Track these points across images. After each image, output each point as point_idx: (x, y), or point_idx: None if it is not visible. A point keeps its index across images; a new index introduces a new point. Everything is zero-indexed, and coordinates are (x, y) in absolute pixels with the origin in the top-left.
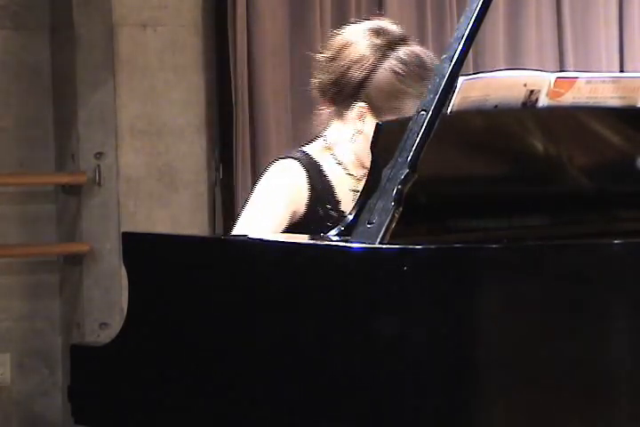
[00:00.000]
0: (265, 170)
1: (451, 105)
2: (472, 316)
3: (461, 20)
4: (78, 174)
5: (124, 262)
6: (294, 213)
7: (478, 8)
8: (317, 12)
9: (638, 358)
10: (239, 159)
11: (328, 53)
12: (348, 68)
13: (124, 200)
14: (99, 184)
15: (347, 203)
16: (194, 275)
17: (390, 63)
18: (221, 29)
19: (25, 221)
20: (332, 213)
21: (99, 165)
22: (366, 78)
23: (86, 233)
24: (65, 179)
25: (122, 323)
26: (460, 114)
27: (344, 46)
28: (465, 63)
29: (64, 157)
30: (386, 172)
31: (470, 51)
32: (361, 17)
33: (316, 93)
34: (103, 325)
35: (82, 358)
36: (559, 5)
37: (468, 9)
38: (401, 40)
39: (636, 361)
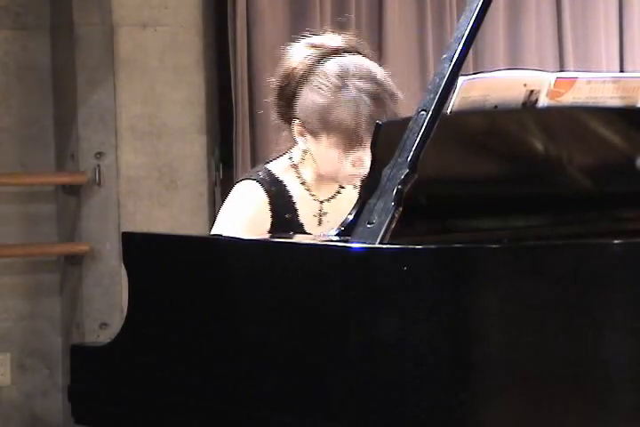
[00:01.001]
0: (229, 192)
1: (451, 105)
2: (472, 316)
3: (461, 20)
4: (78, 174)
5: (124, 262)
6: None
7: (478, 8)
8: (317, 12)
9: (637, 358)
10: (239, 159)
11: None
12: (280, 84)
13: (124, 200)
14: (99, 184)
15: (310, 227)
16: (194, 275)
17: (312, 78)
18: (221, 29)
19: (25, 221)
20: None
21: (99, 165)
22: (294, 95)
23: (86, 233)
24: (65, 179)
25: (122, 323)
26: (460, 114)
27: (282, 63)
28: (465, 63)
29: (64, 157)
30: (386, 172)
31: (470, 51)
32: (361, 17)
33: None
34: (103, 325)
35: (82, 358)
36: (559, 6)
37: (467, 9)
38: (333, 52)
39: (636, 361)
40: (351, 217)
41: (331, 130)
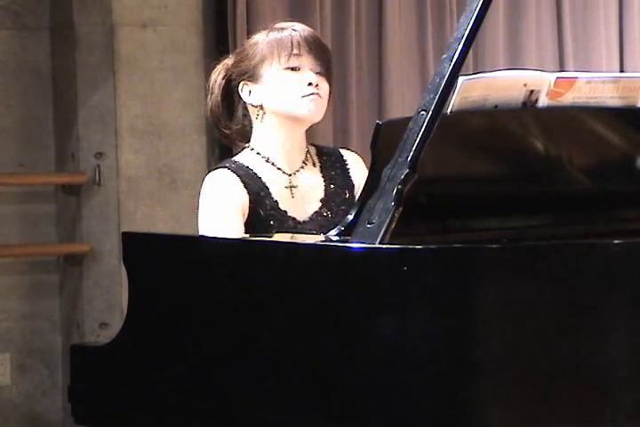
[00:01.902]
0: (201, 185)
1: (451, 105)
2: (472, 315)
3: (461, 20)
4: (78, 174)
5: (124, 262)
6: (243, 215)
7: (478, 8)
8: (317, 12)
9: (637, 358)
10: None
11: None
12: (213, 94)
13: (124, 200)
14: (99, 184)
15: (284, 201)
16: (194, 275)
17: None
18: (221, 29)
19: (25, 221)
20: (273, 212)
21: (99, 165)
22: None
23: (86, 233)
24: (65, 179)
25: (122, 323)
26: (460, 114)
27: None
28: (465, 63)
29: (64, 157)
30: (386, 172)
31: (470, 51)
32: (361, 17)
33: (218, 125)
34: (103, 325)
35: (82, 358)
36: (559, 6)
37: (467, 9)
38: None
39: (636, 361)
40: (351, 217)
41: (268, 53)
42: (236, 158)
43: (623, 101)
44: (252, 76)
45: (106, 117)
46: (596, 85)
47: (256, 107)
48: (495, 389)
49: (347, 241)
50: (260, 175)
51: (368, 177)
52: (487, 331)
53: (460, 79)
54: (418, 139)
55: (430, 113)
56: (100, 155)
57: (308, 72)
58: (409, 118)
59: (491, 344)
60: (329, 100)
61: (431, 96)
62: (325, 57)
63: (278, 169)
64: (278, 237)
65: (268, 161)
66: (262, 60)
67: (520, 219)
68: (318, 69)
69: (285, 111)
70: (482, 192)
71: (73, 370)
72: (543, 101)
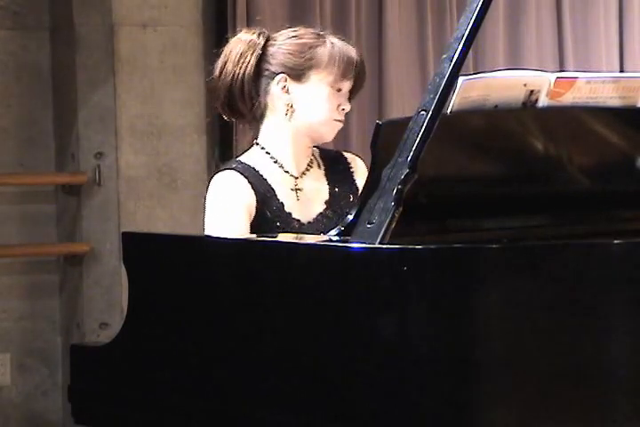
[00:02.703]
0: (208, 186)
1: (451, 105)
2: (472, 315)
3: (461, 20)
4: (78, 174)
5: (124, 262)
6: (250, 216)
7: (478, 8)
8: (317, 12)
9: (637, 358)
10: None
11: (215, 74)
12: (234, 71)
13: (124, 200)
14: (99, 184)
15: (290, 203)
16: (194, 275)
17: (275, 40)
18: (221, 29)
19: (25, 221)
20: (279, 214)
21: (99, 165)
22: (262, 57)
23: (86, 233)
24: (65, 179)
25: (122, 323)
26: (460, 114)
27: (221, 60)
28: (465, 63)
29: (64, 157)
30: (386, 171)
31: (470, 51)
32: (361, 17)
33: (229, 115)
34: (103, 325)
35: (82, 358)
36: (559, 6)
37: (467, 9)
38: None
39: (636, 361)
40: (351, 217)
41: (327, 65)
42: (242, 158)
43: (623, 101)
44: (296, 75)
45: (106, 117)
46: (596, 85)
47: (286, 104)
48: (495, 389)
49: (347, 241)
50: (266, 177)
51: (368, 177)
52: (487, 331)
53: (460, 79)
54: (418, 139)
55: (430, 113)
56: (99, 155)
57: (346, 99)
58: (409, 118)
59: (490, 344)
60: None
61: (431, 96)
62: (362, 86)
63: (285, 171)
64: (280, 237)
65: (276, 162)
66: (317, 66)
67: (520, 219)
68: (350, 96)
69: (312, 124)
70: (482, 192)
71: (73, 370)
72: (543, 101)
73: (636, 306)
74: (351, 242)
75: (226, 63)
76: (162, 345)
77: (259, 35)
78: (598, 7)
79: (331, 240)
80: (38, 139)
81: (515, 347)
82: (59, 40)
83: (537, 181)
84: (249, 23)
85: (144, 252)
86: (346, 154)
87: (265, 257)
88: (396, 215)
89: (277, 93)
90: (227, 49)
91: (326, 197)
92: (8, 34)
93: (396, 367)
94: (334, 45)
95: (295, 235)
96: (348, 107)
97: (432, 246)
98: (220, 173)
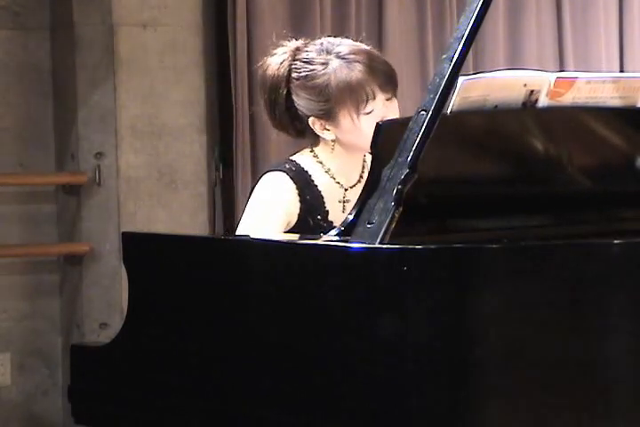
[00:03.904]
0: (257, 182)
1: (451, 105)
2: (472, 316)
3: (461, 20)
4: (78, 174)
5: (124, 262)
6: (288, 224)
7: (478, 8)
8: (317, 12)
9: (637, 358)
10: (239, 159)
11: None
12: (269, 97)
13: (124, 200)
14: (99, 184)
15: (335, 214)
16: (194, 275)
17: (297, 72)
18: (221, 29)
19: (25, 221)
20: (322, 223)
21: (99, 165)
22: (288, 97)
23: (86, 233)
24: (65, 179)
25: (122, 323)
26: (460, 114)
27: (262, 78)
28: (465, 63)
29: (64, 157)
30: (386, 172)
31: (470, 51)
32: (361, 17)
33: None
34: (103, 325)
35: (82, 358)
36: (559, 6)
37: (467, 9)
38: (298, 49)
39: (636, 361)
40: (351, 217)
41: (342, 100)
42: (296, 158)
43: (623, 101)
44: (325, 116)
45: (106, 117)
46: (595, 85)
47: (330, 140)
48: (495, 389)
49: (347, 241)
50: (316, 183)
51: (368, 177)
52: (487, 331)
53: (460, 79)
54: (418, 139)
55: (430, 113)
56: (99, 155)
57: (381, 108)
58: (409, 118)
59: (490, 344)
60: None
61: (431, 96)
62: (395, 82)
63: (337, 182)
64: (280, 236)
65: (327, 172)
66: (337, 103)
67: (520, 219)
68: (388, 96)
69: (360, 146)
70: (482, 192)
71: (73, 370)
72: (543, 101)
73: (636, 306)
74: (351, 242)
75: (264, 95)
76: (162, 345)
77: (281, 66)
78: (598, 7)
79: (331, 240)
80: (38, 139)
81: (514, 347)
82: (59, 40)
83: (537, 181)
84: (249, 23)
85: (144, 252)
86: None
87: (265, 257)
88: (396, 215)
89: (318, 131)
90: (260, 81)
91: None
92: (8, 34)
93: (396, 367)
94: (336, 75)
95: (295, 235)
96: (392, 114)
97: (432, 246)
98: (270, 174)
